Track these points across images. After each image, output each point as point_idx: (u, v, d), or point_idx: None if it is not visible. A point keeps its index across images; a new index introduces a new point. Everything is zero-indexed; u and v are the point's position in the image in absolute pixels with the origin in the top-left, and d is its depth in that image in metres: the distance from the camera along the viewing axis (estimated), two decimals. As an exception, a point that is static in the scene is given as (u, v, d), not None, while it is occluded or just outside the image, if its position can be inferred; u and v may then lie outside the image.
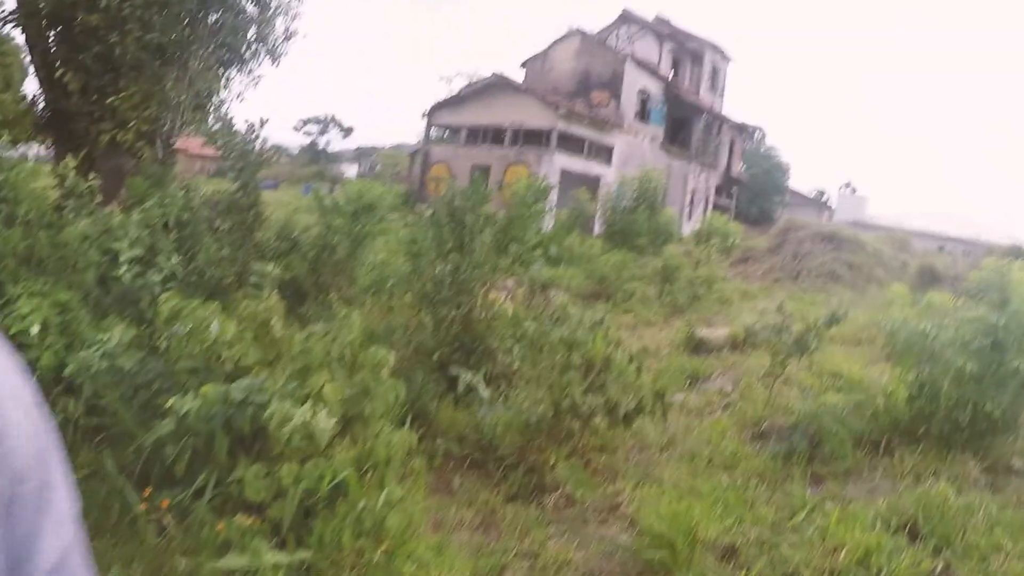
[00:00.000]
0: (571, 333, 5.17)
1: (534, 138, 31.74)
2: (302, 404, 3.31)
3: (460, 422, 5.13)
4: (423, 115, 36.57)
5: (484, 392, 4.70)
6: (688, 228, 33.56)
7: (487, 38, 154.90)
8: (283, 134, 78.77)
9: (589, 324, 5.90)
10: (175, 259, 5.80)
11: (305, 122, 78.09)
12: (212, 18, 10.46)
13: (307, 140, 76.43)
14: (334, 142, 77.25)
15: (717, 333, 9.22)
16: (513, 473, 4.58)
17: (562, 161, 30.47)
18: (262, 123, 7.62)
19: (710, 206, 38.65)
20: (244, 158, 7.08)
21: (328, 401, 3.45)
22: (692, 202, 36.96)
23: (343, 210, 8.20)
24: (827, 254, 18.40)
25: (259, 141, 7.88)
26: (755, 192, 50.57)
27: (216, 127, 7.64)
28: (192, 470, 3.40)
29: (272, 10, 20.56)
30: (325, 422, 3.23)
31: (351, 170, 62.66)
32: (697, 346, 8.92)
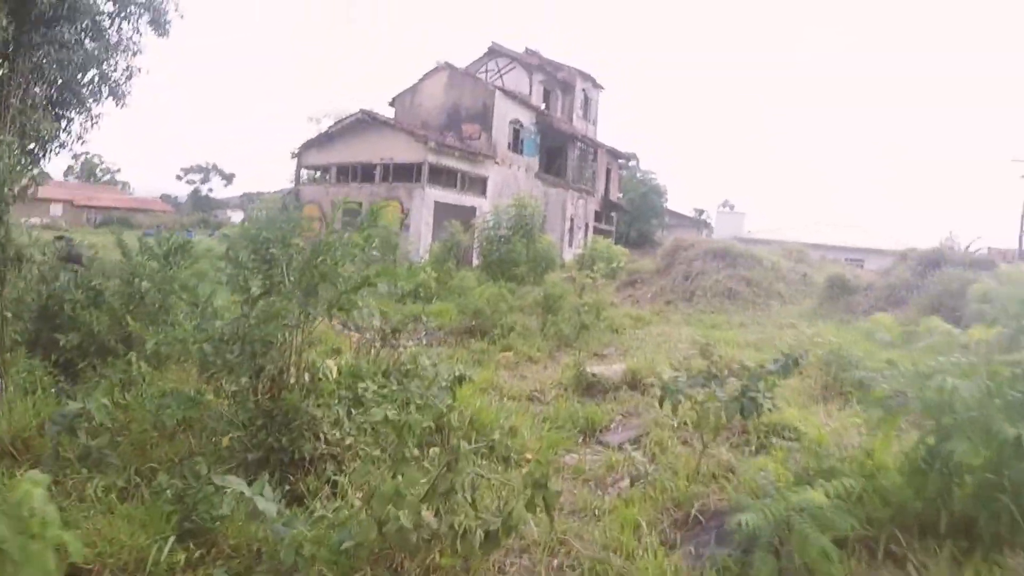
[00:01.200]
0: (412, 405, 3.66)
1: (405, 173, 30.30)
2: None
3: (254, 539, 3.47)
4: (292, 156, 34.56)
5: (267, 506, 3.06)
6: (570, 255, 32.97)
7: (402, 59, 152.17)
8: (170, 183, 75.13)
9: (444, 382, 4.37)
10: None
11: (187, 171, 74.17)
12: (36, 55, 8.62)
13: (191, 188, 73.30)
14: (217, 189, 74.03)
15: (612, 369, 7.87)
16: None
17: (435, 194, 29.15)
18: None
19: (590, 232, 38.33)
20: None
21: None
22: (572, 229, 36.48)
23: (154, 252, 6.81)
24: (721, 271, 17.42)
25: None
26: (634, 216, 51.29)
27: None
28: None
29: (113, 47, 18.04)
30: None
31: (237, 216, 60.41)
32: (589, 386, 7.55)
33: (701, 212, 74.73)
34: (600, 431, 6.16)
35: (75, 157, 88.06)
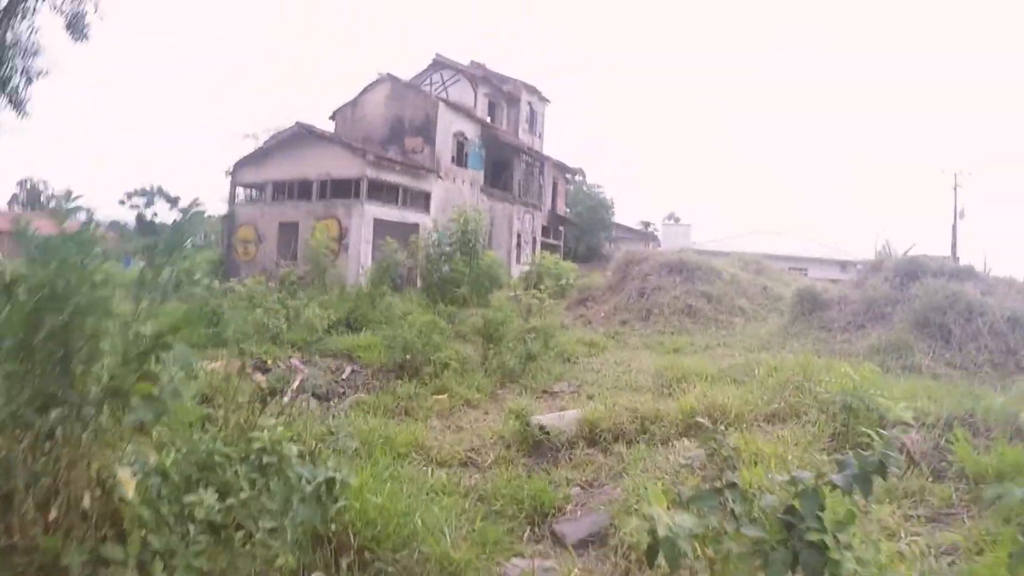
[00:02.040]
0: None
1: (343, 189, 28.60)
2: None
3: None
4: (226, 174, 32.46)
5: None
6: (518, 271, 31.67)
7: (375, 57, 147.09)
8: (115, 208, 71.67)
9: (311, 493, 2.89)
10: None
11: (130, 195, 70.58)
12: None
13: (135, 212, 69.99)
14: (163, 213, 71.09)
15: (565, 420, 6.39)
16: None
17: (375, 211, 27.52)
18: None
19: (538, 247, 37.11)
20: None
21: None
22: (519, 244, 35.21)
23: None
24: (678, 287, 16.11)
25: None
26: (582, 230, 50.46)
27: None
28: None
29: (9, 49, 15.90)
30: None
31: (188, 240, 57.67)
32: (537, 444, 6.11)
33: (648, 225, 74.65)
34: (553, 515, 4.70)
35: (19, 184, 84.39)
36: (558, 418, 6.53)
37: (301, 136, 28.81)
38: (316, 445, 3.80)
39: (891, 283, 12.30)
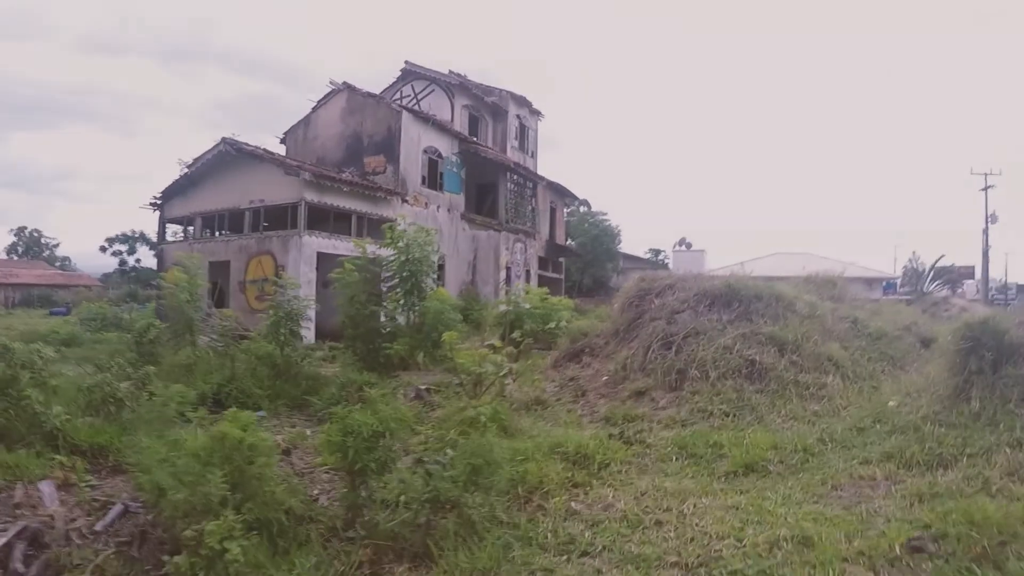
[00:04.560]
0: None
1: (280, 218, 23.08)
2: None
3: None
4: (152, 207, 26.97)
5: None
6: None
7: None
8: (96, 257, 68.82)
9: None
10: None
11: (111, 241, 66.50)
12: None
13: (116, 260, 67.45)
14: (146, 259, 67.39)
15: None
16: None
17: (318, 243, 21.89)
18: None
19: (533, 280, 31.30)
20: None
21: None
22: (508, 279, 29.31)
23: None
24: (727, 330, 9.45)
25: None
26: (586, 261, 44.85)
27: None
28: None
29: None
30: None
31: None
32: None
33: (658, 253, 68.81)
34: None
35: (17, 233, 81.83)
36: None
37: (228, 156, 23.32)
38: None
39: None
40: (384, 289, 13.18)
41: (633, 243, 74.14)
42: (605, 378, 9.86)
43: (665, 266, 64.32)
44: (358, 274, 13.03)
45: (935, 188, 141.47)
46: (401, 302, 12.68)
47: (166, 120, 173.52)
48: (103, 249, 68.52)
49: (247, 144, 23.92)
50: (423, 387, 10.45)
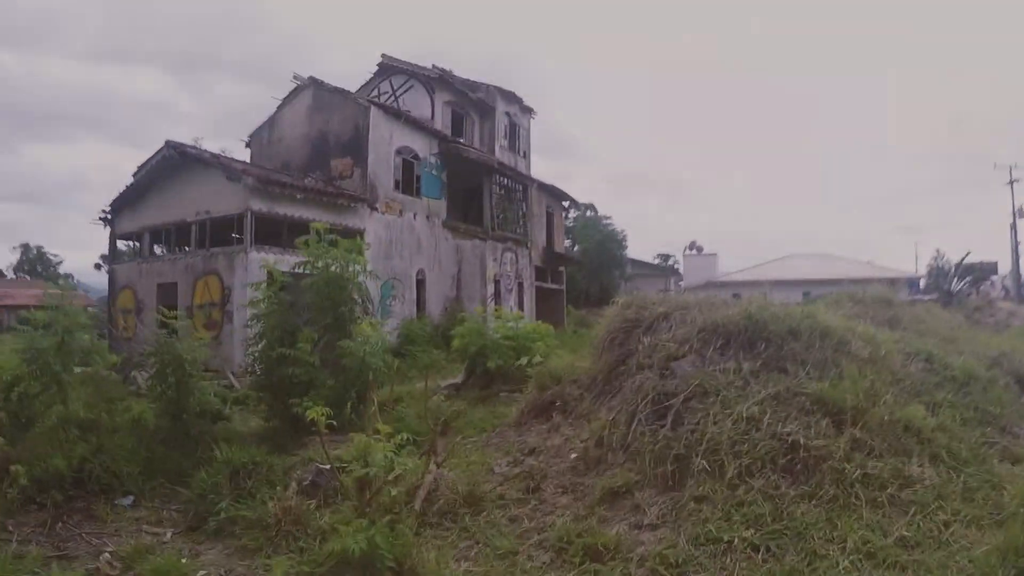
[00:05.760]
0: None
1: (229, 232, 20.20)
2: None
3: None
4: (102, 221, 24.01)
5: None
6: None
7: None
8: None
9: None
10: None
11: (105, 258, 64.82)
12: None
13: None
14: None
15: None
16: None
17: (268, 260, 18.86)
18: None
19: (527, 292, 28.25)
20: None
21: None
22: (498, 293, 26.26)
23: None
24: (750, 387, 6.09)
25: None
26: (592, 268, 41.85)
27: None
28: None
29: None
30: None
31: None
32: None
33: (667, 258, 65.41)
34: None
35: (20, 249, 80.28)
36: None
37: (174, 161, 20.41)
38: None
39: None
40: (300, 323, 10.15)
41: (644, 249, 70.63)
42: (574, 455, 6.78)
43: (675, 271, 61.02)
44: (266, 304, 10.03)
45: (935, 186, 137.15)
46: (316, 340, 9.64)
47: (175, 129, 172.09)
48: (97, 267, 66.37)
49: (191, 147, 21.04)
50: (327, 467, 7.43)
